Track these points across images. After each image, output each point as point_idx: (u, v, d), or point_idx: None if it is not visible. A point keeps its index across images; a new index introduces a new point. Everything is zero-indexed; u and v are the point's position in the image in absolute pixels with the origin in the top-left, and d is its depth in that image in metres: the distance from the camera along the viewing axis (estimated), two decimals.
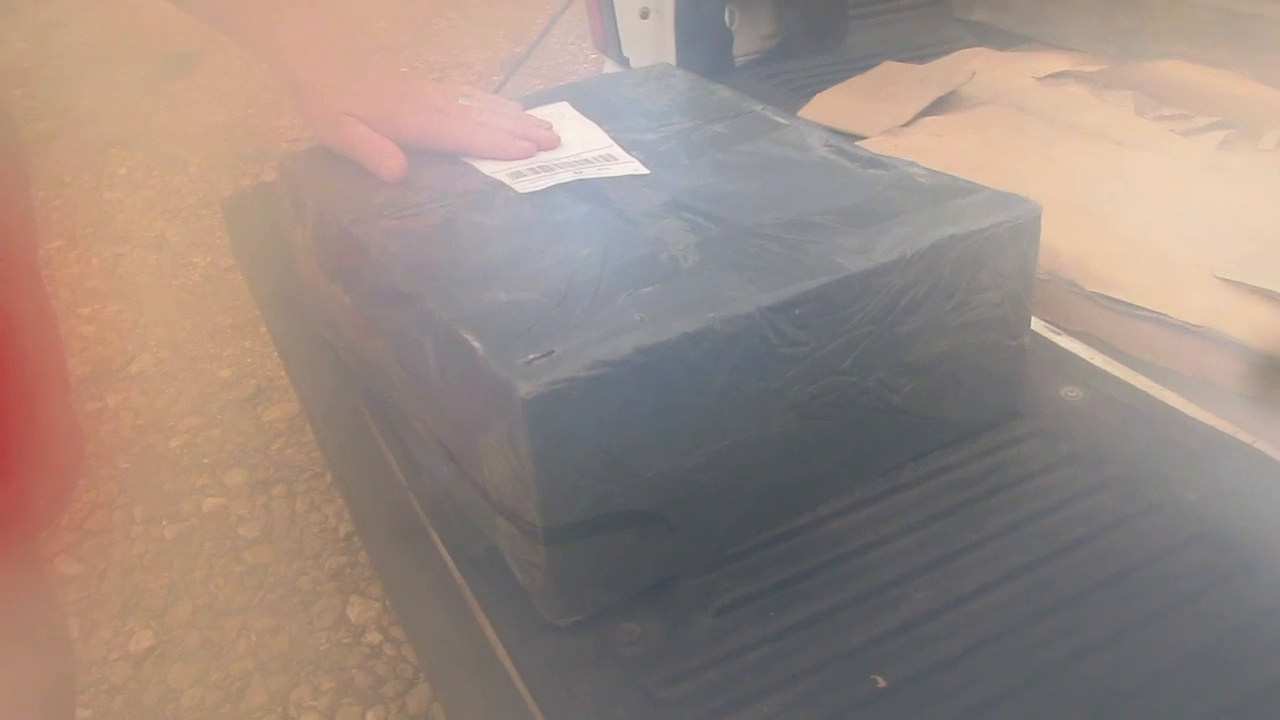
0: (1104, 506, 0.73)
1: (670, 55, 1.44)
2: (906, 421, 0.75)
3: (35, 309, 0.81)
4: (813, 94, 1.39)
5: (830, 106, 1.35)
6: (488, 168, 0.86)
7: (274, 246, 1.12)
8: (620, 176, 0.84)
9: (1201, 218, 1.02)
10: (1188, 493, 0.74)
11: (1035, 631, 0.65)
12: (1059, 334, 0.93)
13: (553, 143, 0.90)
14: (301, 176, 0.88)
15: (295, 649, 1.44)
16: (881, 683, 0.62)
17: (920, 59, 1.49)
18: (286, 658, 1.43)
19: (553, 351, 0.60)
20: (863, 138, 1.25)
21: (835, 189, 0.80)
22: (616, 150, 0.89)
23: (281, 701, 1.36)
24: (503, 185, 0.83)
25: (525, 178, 0.84)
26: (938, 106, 1.31)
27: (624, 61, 1.45)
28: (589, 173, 0.84)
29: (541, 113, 0.95)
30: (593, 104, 0.97)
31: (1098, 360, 0.89)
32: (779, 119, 0.93)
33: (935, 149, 1.21)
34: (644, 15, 1.44)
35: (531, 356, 0.60)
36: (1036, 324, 0.92)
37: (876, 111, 1.29)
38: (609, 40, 1.45)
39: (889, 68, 1.43)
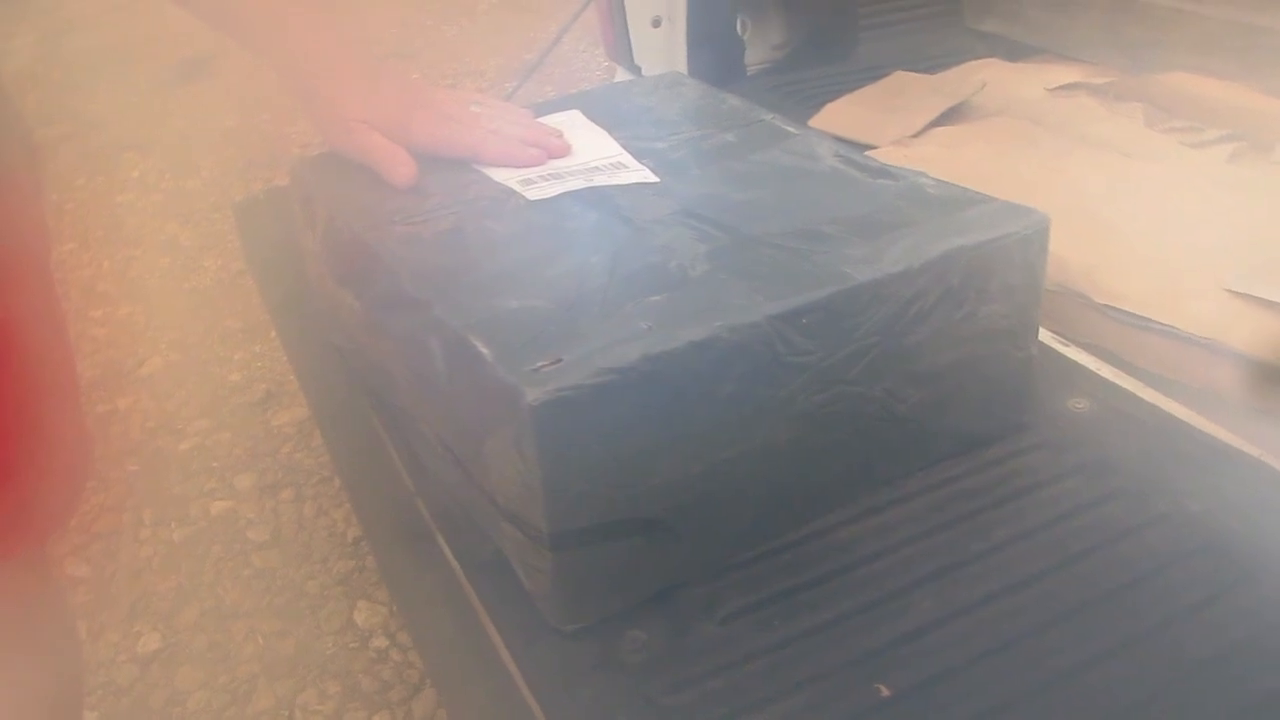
0: (1110, 518, 0.74)
1: (682, 64, 1.45)
2: (913, 431, 0.75)
3: (46, 314, 0.81)
4: (823, 103, 1.40)
5: (841, 116, 1.35)
6: (499, 175, 0.86)
7: (285, 251, 1.13)
8: (630, 184, 0.84)
9: (1211, 230, 1.02)
10: (1193, 504, 0.74)
11: (1040, 642, 0.65)
12: (1067, 345, 0.93)
13: (563, 150, 0.90)
14: (312, 182, 0.89)
15: (302, 653, 1.44)
16: (885, 692, 0.62)
17: (931, 69, 1.49)
18: (293, 661, 1.43)
19: (560, 359, 0.60)
20: (873, 147, 1.25)
21: (844, 199, 0.80)
22: (627, 158, 0.89)
23: (288, 705, 1.37)
24: (513, 192, 0.83)
25: (536, 185, 0.84)
26: (948, 117, 1.31)
27: (636, 70, 1.46)
28: (599, 180, 0.85)
29: (553, 120, 0.95)
30: (604, 112, 0.97)
31: (1105, 372, 0.89)
32: (789, 128, 0.93)
33: (945, 159, 1.21)
34: (656, 24, 1.44)
35: (539, 363, 0.60)
36: (1044, 335, 0.92)
37: (887, 122, 1.30)
38: (621, 48, 1.45)
39: (899, 78, 1.44)
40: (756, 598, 0.68)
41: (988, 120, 1.30)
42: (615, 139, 0.92)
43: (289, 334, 1.10)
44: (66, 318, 0.85)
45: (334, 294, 0.88)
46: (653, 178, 0.85)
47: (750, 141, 0.91)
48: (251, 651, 1.45)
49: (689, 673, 0.64)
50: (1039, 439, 0.81)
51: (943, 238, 0.72)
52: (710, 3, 1.44)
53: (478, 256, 0.75)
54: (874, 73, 1.49)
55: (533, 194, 0.83)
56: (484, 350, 0.62)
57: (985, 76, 1.41)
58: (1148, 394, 0.86)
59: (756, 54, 1.58)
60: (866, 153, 1.21)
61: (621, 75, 1.52)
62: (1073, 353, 0.92)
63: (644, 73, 1.46)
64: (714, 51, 1.47)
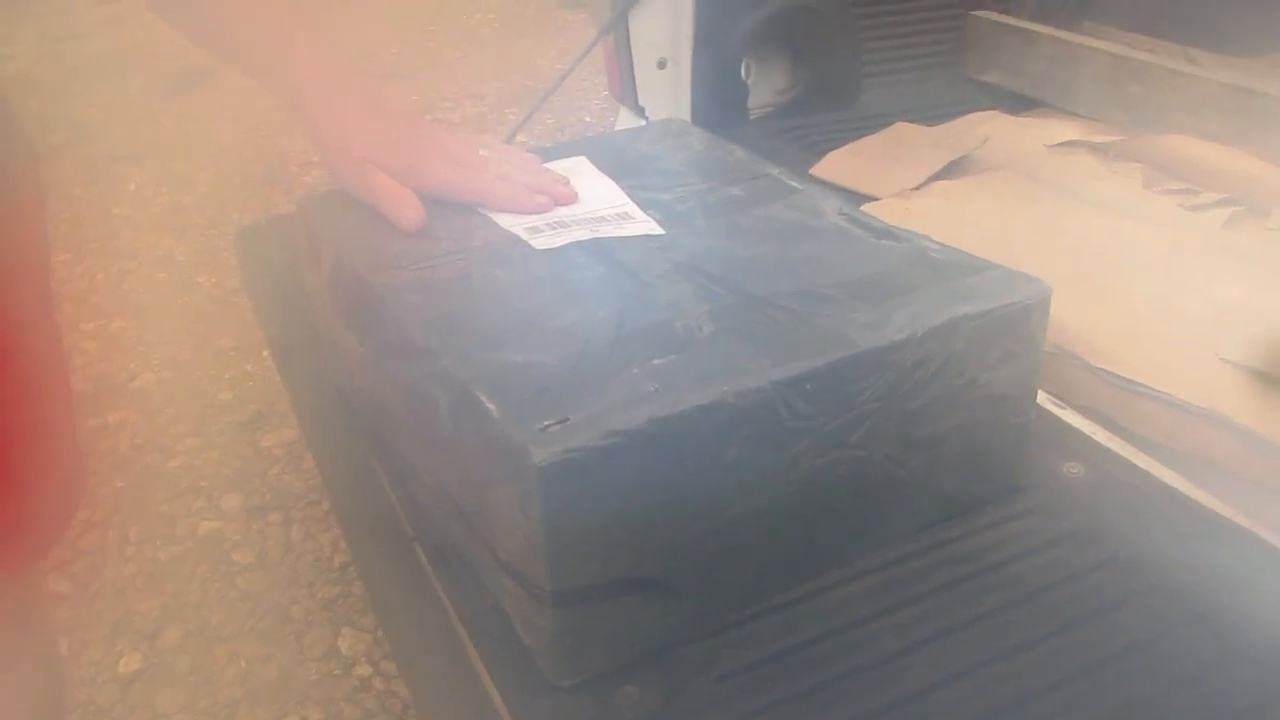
0: (1101, 586, 0.74)
1: (686, 106, 1.46)
2: (910, 494, 0.76)
3: (44, 330, 0.81)
4: (825, 150, 1.41)
5: (842, 166, 1.36)
6: (505, 221, 0.87)
7: (285, 279, 1.13)
8: (636, 236, 0.85)
9: (1207, 296, 1.03)
10: (1184, 575, 0.75)
11: (1032, 709, 0.65)
12: (1063, 408, 0.93)
13: (570, 198, 0.91)
14: (319, 221, 0.89)
15: (285, 679, 1.44)
16: None
17: (933, 118, 1.50)
18: (276, 687, 1.43)
19: (567, 419, 0.61)
20: (874, 199, 1.26)
21: (848, 260, 0.81)
22: (633, 208, 0.90)
23: None
24: (519, 240, 0.84)
25: (542, 233, 0.85)
26: (949, 170, 1.32)
27: (639, 110, 1.47)
28: (605, 231, 0.85)
29: (559, 166, 0.96)
30: (610, 159, 0.98)
31: (1100, 436, 0.90)
32: (793, 184, 0.94)
33: (946, 213, 1.22)
34: (661, 65, 1.45)
35: (546, 423, 0.61)
36: (1041, 397, 0.92)
37: (888, 173, 1.31)
38: (626, 88, 1.46)
39: (901, 129, 1.45)
40: (752, 657, 0.69)
41: (988, 175, 1.32)
42: (621, 187, 0.93)
43: (286, 363, 1.10)
44: (62, 333, 0.85)
45: (338, 335, 0.89)
46: (658, 229, 0.86)
47: (755, 196, 0.91)
48: (234, 675, 1.45)
49: None
50: (1033, 503, 0.82)
51: (946, 305, 0.73)
52: (716, 46, 1.46)
53: (485, 306, 0.75)
54: (877, 120, 1.50)
55: (539, 243, 0.83)
56: (490, 406, 0.63)
57: (987, 130, 1.42)
58: (1141, 460, 0.87)
59: (760, 97, 1.59)
60: (868, 204, 1.22)
61: (625, 114, 1.53)
62: (1068, 416, 0.92)
63: (649, 113, 1.47)
64: (718, 94, 1.48)
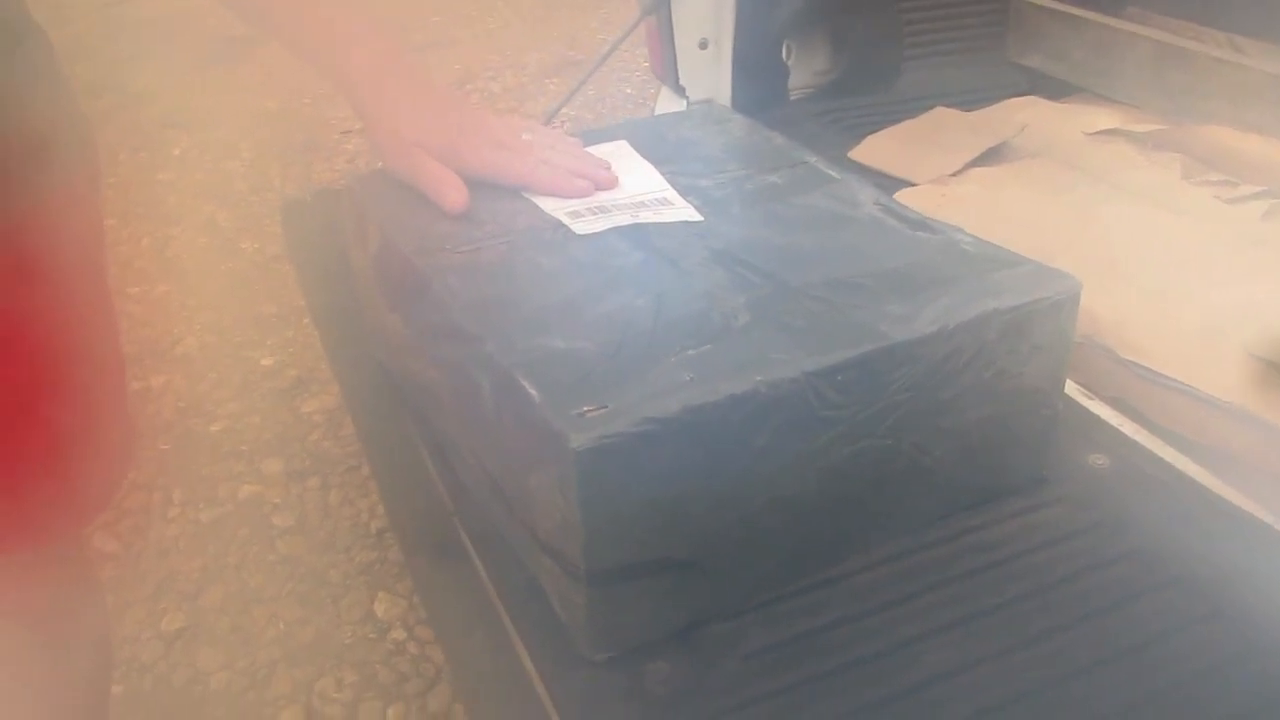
0: (1122, 578, 0.76)
1: (726, 87, 1.47)
2: (936, 482, 0.78)
3: (98, 309, 0.84)
4: (864, 133, 1.42)
5: (881, 150, 1.37)
6: (547, 205, 0.89)
7: (329, 253, 1.16)
8: (675, 222, 0.86)
9: (1239, 290, 1.04)
10: (1205, 569, 0.76)
11: (1048, 699, 0.67)
12: (1091, 399, 0.95)
13: (611, 183, 0.92)
14: (366, 201, 0.91)
15: (321, 641, 1.48)
16: None
17: (973, 103, 1.51)
18: (312, 649, 1.46)
19: (606, 406, 0.63)
20: (911, 184, 1.27)
21: (883, 250, 0.82)
22: (672, 194, 0.91)
23: (305, 692, 1.40)
24: (561, 224, 0.86)
25: (583, 218, 0.87)
26: (987, 156, 1.33)
27: (680, 90, 1.48)
28: (645, 216, 0.87)
29: (600, 150, 0.97)
30: (650, 144, 1.00)
31: (1127, 428, 0.91)
32: (831, 172, 0.95)
33: (982, 200, 1.23)
34: (703, 46, 1.46)
35: (585, 409, 0.63)
36: (1070, 387, 0.94)
37: (926, 159, 1.32)
38: (667, 69, 1.48)
39: (940, 114, 1.46)
40: (778, 638, 0.71)
41: (1026, 162, 1.32)
42: (661, 172, 0.95)
43: (328, 331, 1.13)
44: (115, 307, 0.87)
45: (382, 312, 0.91)
46: (697, 216, 0.88)
47: (793, 184, 0.93)
48: (272, 636, 1.49)
49: (710, 706, 0.67)
50: (1058, 494, 0.84)
51: (978, 299, 0.75)
52: (757, 27, 1.46)
53: (527, 290, 0.77)
54: (916, 103, 1.51)
55: (580, 227, 0.85)
56: (532, 392, 0.65)
57: (1026, 116, 1.43)
58: (1167, 453, 0.88)
59: (800, 79, 1.60)
60: (905, 189, 1.24)
61: (666, 93, 1.54)
62: (1096, 407, 0.94)
63: (689, 94, 1.48)
64: (758, 76, 1.49)
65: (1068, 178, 1.27)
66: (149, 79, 3.23)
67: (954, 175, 1.29)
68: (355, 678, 1.42)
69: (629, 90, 3.17)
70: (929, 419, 0.75)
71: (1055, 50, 1.62)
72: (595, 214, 0.88)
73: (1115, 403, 0.95)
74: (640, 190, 0.92)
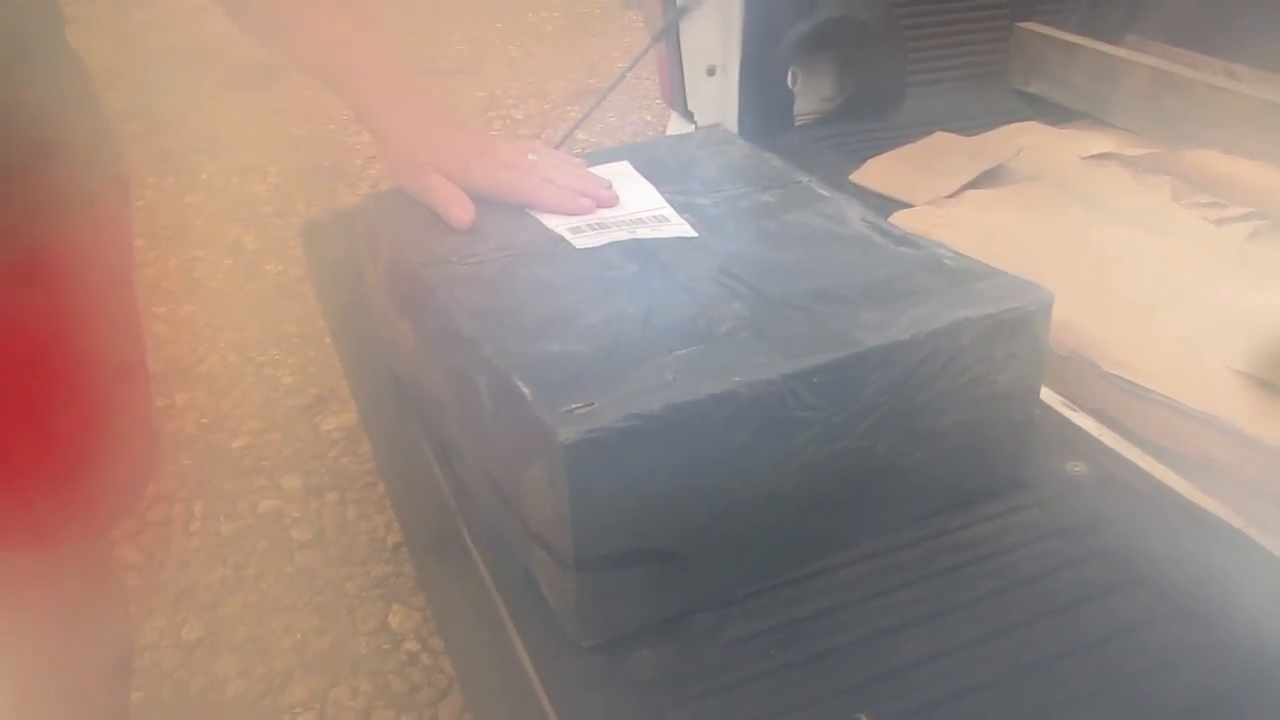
0: (1091, 576, 0.79)
1: (733, 112, 1.51)
2: (913, 484, 0.82)
3: (126, 325, 0.88)
4: (866, 157, 1.46)
5: (881, 172, 1.41)
6: (550, 221, 0.93)
7: (347, 270, 1.21)
8: (670, 238, 0.91)
9: (1222, 309, 1.07)
10: (1173, 570, 0.80)
11: (1015, 685, 0.71)
12: (1074, 410, 0.98)
13: (612, 201, 0.97)
14: (379, 217, 0.96)
15: (337, 650, 1.51)
16: None
17: (975, 128, 1.54)
18: (328, 658, 1.50)
19: (593, 403, 0.67)
20: (910, 205, 1.31)
21: (865, 264, 0.86)
22: (669, 211, 0.96)
23: (320, 699, 1.44)
24: (562, 239, 0.90)
25: (584, 233, 0.91)
26: (983, 179, 1.37)
27: (688, 115, 1.52)
28: (642, 232, 0.92)
29: (603, 171, 1.02)
30: (651, 165, 1.04)
31: (1106, 438, 0.94)
32: (823, 191, 0.99)
33: (975, 222, 1.27)
34: (711, 73, 1.51)
35: (574, 406, 0.67)
36: (1053, 399, 0.97)
37: (924, 181, 1.36)
38: (676, 95, 1.52)
39: (940, 139, 1.50)
40: (758, 627, 0.75)
41: (1021, 185, 1.36)
42: (661, 192, 0.99)
43: (346, 351, 1.18)
44: (142, 322, 0.92)
45: (393, 323, 0.96)
46: (692, 232, 0.92)
47: (785, 202, 0.97)
48: (289, 646, 1.53)
49: (694, 690, 0.70)
50: (1034, 498, 0.87)
51: (951, 308, 0.78)
52: (764, 55, 1.51)
53: (526, 300, 0.82)
54: (919, 129, 1.54)
55: (580, 242, 0.90)
56: (525, 390, 0.70)
57: (1024, 141, 1.47)
58: (1144, 462, 0.92)
59: (806, 105, 1.64)
60: (902, 210, 1.28)
61: (676, 119, 1.59)
62: (1078, 417, 0.97)
63: (697, 119, 1.52)
64: (765, 101, 1.53)
65: (1060, 200, 1.31)
66: (177, 105, 3.30)
67: (950, 197, 1.33)
68: (369, 687, 1.46)
69: (649, 117, 3.22)
70: (905, 422, 0.78)
71: (1056, 77, 1.66)
72: (595, 230, 0.92)
73: (1096, 414, 0.99)
74: (639, 208, 0.96)
